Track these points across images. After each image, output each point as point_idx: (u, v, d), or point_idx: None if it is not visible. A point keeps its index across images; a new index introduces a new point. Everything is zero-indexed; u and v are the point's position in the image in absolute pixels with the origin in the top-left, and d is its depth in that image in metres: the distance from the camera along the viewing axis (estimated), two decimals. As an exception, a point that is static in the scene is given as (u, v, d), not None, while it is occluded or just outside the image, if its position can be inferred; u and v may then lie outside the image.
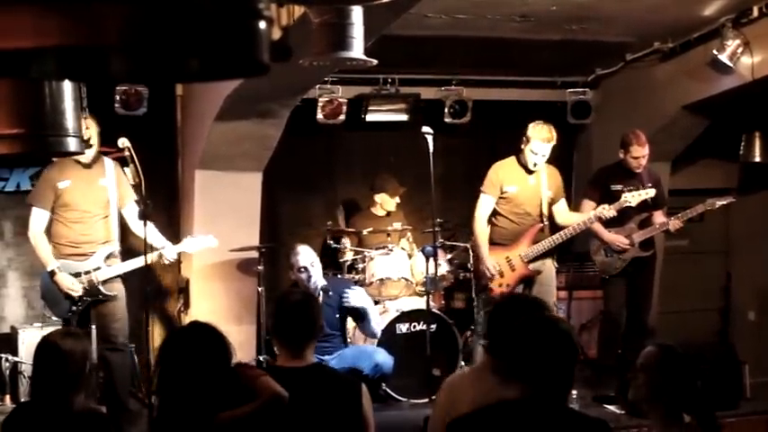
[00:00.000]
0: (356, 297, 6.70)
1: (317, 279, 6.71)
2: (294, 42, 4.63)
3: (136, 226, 6.38)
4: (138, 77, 5.26)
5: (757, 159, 8.92)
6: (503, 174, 6.94)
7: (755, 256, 9.30)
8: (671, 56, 8.06)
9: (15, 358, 6.71)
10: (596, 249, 7.27)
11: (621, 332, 7.14)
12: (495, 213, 6.96)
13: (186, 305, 7.98)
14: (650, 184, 7.09)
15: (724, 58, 7.16)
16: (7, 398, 6.63)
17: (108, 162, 6.39)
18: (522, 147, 6.87)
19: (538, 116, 9.33)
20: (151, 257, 6.28)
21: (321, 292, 6.65)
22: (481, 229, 6.89)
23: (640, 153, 7.02)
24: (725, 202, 7.08)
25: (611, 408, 6.62)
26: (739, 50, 7.15)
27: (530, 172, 6.90)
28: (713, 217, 8.32)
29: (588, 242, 7.42)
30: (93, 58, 1.70)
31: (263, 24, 1.66)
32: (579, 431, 3.07)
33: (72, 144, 6.01)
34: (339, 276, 7.36)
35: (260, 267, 7.48)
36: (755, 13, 7.02)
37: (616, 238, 7.08)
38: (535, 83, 9.30)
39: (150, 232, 6.33)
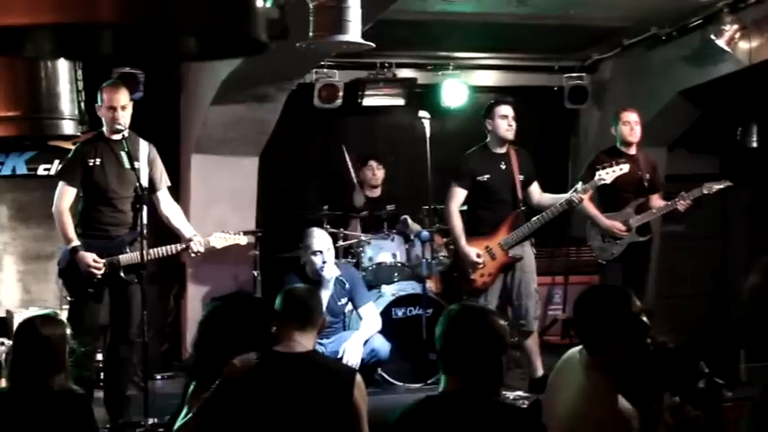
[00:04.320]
0: (351, 353, 6.48)
1: (330, 268, 6.56)
2: (291, 25, 4.62)
3: (167, 212, 6.20)
4: (135, 57, 5.24)
5: (754, 145, 8.92)
6: (473, 163, 6.88)
7: (751, 240, 9.31)
8: (668, 41, 8.03)
9: (11, 342, 6.69)
10: (592, 235, 7.26)
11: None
12: (470, 204, 6.90)
13: (182, 289, 7.98)
14: (647, 169, 7.09)
15: (721, 43, 7.14)
16: (2, 381, 6.61)
17: (143, 143, 6.09)
18: (489, 126, 6.82)
19: (535, 100, 9.42)
20: (179, 247, 6.16)
21: (333, 285, 6.57)
22: (456, 222, 6.85)
23: (631, 118, 7.02)
24: (721, 186, 7.06)
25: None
26: (737, 35, 7.12)
27: (500, 158, 6.84)
28: (710, 202, 8.31)
29: (584, 227, 7.41)
30: (88, 36, 1.70)
31: (260, 2, 1.65)
32: (510, 423, 3.04)
33: (68, 127, 6.01)
34: (341, 261, 7.33)
35: (256, 252, 7.47)
36: (753, -3, 7.01)
37: (612, 224, 7.07)
38: (532, 67, 9.30)
39: (180, 221, 6.26)
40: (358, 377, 3.72)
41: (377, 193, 8.32)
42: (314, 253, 6.54)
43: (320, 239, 6.60)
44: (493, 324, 3.11)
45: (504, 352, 3.09)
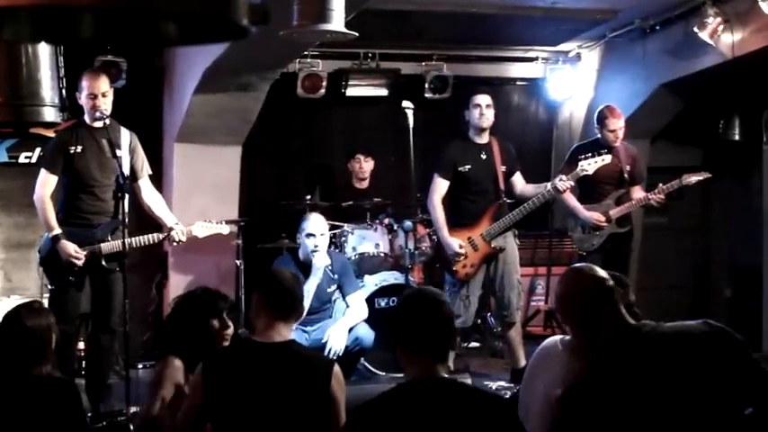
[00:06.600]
0: (336, 339, 6.51)
1: (321, 256, 6.57)
2: (274, 14, 4.60)
3: (148, 200, 6.20)
4: (116, 42, 5.21)
5: (736, 138, 8.95)
6: (454, 153, 6.90)
7: (732, 233, 9.35)
8: (651, 33, 8.05)
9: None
10: (573, 226, 7.29)
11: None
12: (452, 195, 6.91)
13: (165, 278, 7.95)
14: (627, 161, 7.12)
15: (704, 35, 7.16)
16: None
17: (124, 131, 6.07)
18: (467, 117, 6.88)
19: (518, 92, 9.42)
20: (160, 236, 6.15)
21: (322, 272, 6.58)
22: (439, 213, 6.86)
23: (616, 125, 7.06)
24: (701, 178, 7.09)
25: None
26: (719, 28, 7.14)
27: (481, 148, 6.86)
28: (692, 195, 8.34)
29: (566, 219, 7.43)
30: (68, 19, 1.69)
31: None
32: (481, 405, 3.05)
33: (48, 114, 5.97)
34: (332, 249, 7.31)
35: (238, 241, 7.46)
36: (736, -10, 7.01)
37: (592, 215, 7.09)
38: (515, 59, 9.30)
39: (162, 209, 6.25)
40: (336, 367, 3.71)
41: (365, 185, 8.31)
42: (307, 236, 6.59)
43: (315, 223, 6.64)
44: (443, 305, 3.20)
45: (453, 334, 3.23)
